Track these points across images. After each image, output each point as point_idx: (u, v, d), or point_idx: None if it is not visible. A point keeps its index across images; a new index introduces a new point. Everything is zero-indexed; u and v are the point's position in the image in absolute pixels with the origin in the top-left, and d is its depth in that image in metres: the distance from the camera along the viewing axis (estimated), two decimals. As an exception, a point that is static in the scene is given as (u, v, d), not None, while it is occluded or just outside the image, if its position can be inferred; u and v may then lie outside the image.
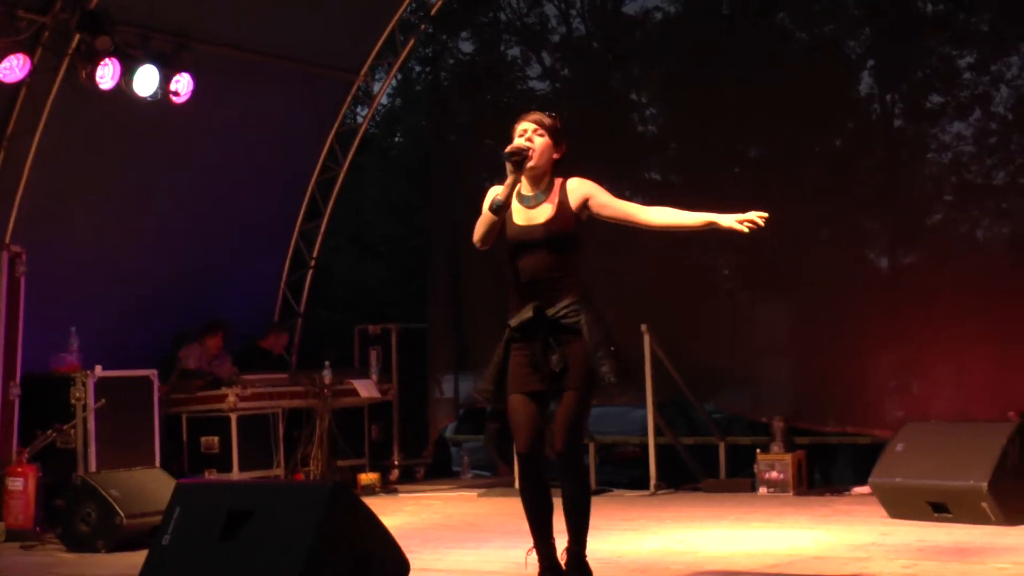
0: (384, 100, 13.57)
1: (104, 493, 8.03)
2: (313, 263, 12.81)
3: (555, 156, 5.72)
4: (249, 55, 11.18)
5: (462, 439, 13.47)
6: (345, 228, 18.76)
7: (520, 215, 5.66)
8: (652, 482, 10.49)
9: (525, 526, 8.51)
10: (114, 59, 9.73)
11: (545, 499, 5.79)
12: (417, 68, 22.02)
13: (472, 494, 10.88)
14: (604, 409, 13.62)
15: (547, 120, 5.71)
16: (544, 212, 5.63)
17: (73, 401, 9.30)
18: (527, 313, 5.53)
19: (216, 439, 10.34)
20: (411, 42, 12.62)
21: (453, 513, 9.64)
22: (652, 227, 5.93)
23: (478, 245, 5.70)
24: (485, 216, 5.62)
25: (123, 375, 9.67)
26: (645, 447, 10.96)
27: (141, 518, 7.95)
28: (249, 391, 10.51)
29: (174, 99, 10.21)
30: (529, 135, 5.67)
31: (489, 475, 12.48)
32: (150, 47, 10.07)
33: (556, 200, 5.64)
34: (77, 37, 9.65)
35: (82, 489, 8.17)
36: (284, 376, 11.10)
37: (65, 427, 9.16)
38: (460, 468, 12.79)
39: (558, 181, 5.72)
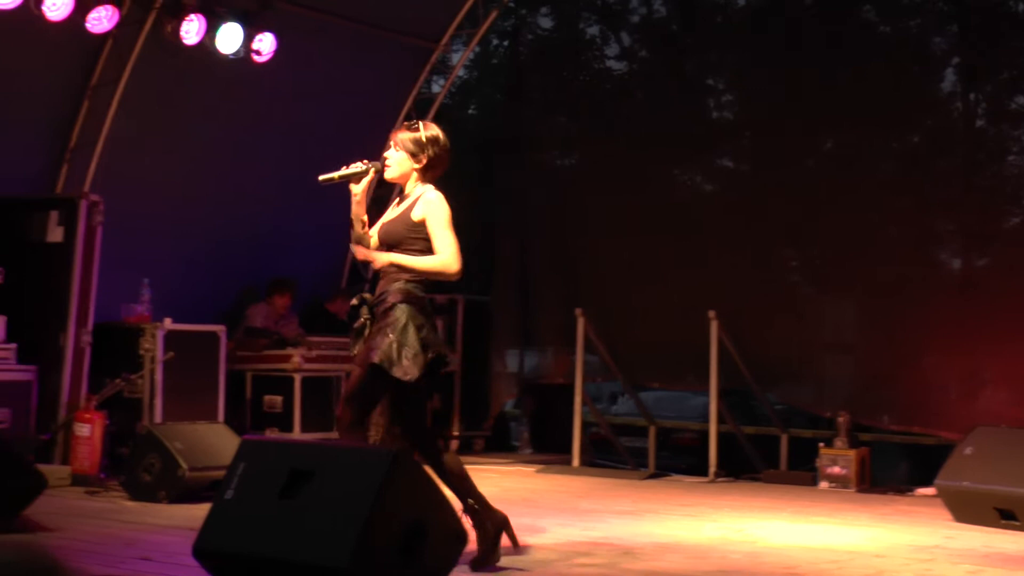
0: (460, 72, 13.51)
1: (168, 445, 8.13)
2: (381, 230, 12.82)
3: (416, 165, 6.20)
4: (332, 18, 11.20)
5: (521, 414, 13.49)
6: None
7: (388, 213, 6.29)
8: (711, 469, 10.44)
9: (583, 504, 8.62)
10: (200, 15, 9.79)
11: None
12: (494, 41, 21.97)
13: (530, 469, 10.91)
14: (662, 394, 13.64)
15: (405, 134, 6.21)
16: (392, 213, 6.23)
17: (142, 352, 9.41)
18: (351, 299, 6.26)
19: (279, 398, 10.43)
20: (493, 14, 12.59)
21: (511, 487, 9.66)
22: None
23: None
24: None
25: (192, 329, 9.77)
26: (702, 434, 10.95)
27: (202, 471, 8.05)
28: (314, 353, 10.58)
29: (256, 58, 10.25)
30: (387, 153, 6.23)
31: (532, 451, 12.49)
32: (235, 5, 10.12)
33: (406, 206, 6.17)
34: (165, -9, 9.73)
35: (147, 439, 8.28)
36: (348, 340, 11.12)
37: (133, 377, 9.27)
38: (519, 443, 12.81)
39: (424, 189, 6.20)
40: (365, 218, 6.23)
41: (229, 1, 10.07)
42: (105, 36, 9.75)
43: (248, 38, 10.13)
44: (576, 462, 10.85)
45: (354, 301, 6.26)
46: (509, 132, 13.41)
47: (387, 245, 6.16)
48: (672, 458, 12.23)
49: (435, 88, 13.35)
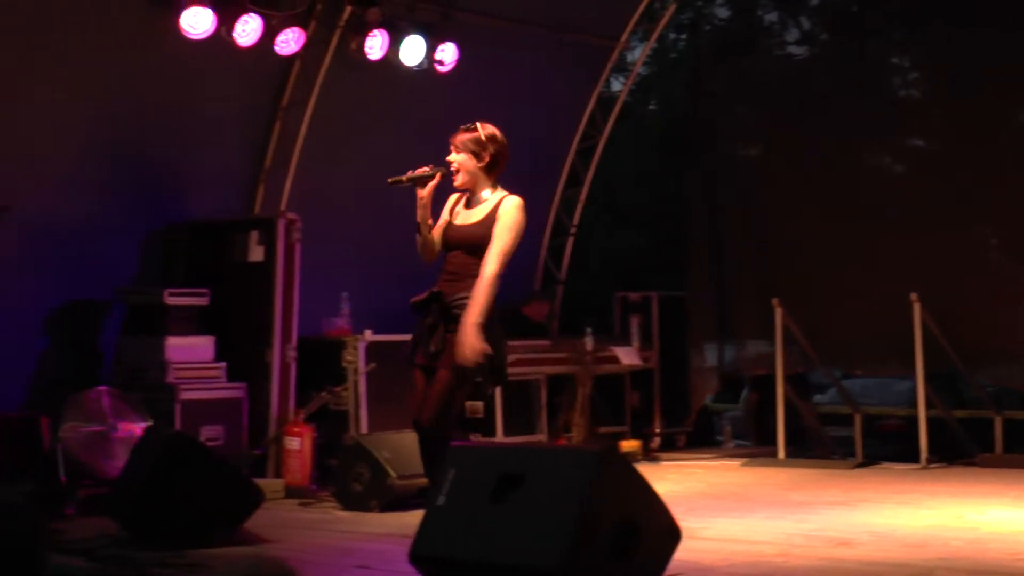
0: (638, 68, 13.48)
1: (376, 454, 8.25)
2: (574, 230, 12.86)
3: (480, 164, 6.33)
4: (511, 23, 11.26)
5: (723, 408, 13.36)
6: (597, 196, 18.83)
7: (460, 216, 6.37)
8: (923, 456, 10.16)
9: (793, 496, 8.49)
10: (382, 30, 9.95)
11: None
12: (671, 35, 21.84)
13: (735, 463, 10.78)
14: (865, 380, 13.34)
15: (466, 136, 6.35)
16: (473, 217, 6.32)
17: (345, 364, 9.56)
18: (423, 295, 6.31)
19: (480, 404, 10.51)
20: (671, 8, 12.51)
21: (717, 482, 9.57)
22: None
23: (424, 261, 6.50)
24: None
25: (392, 339, 9.89)
26: (909, 419, 10.67)
27: (411, 479, 8.13)
28: (513, 357, 10.61)
29: (439, 68, 10.38)
30: (450, 155, 6.38)
31: (751, 444, 12.34)
32: (416, 17, 10.26)
33: (487, 211, 6.27)
34: (348, 9, 9.90)
35: (355, 450, 8.42)
36: (546, 343, 11.19)
37: (337, 389, 9.43)
38: (722, 437, 12.68)
39: (503, 194, 6.33)
40: (431, 221, 6.37)
41: (410, 14, 10.20)
42: (293, 57, 9.99)
43: (431, 49, 10.26)
44: (782, 454, 10.68)
45: (424, 296, 6.32)
46: (693, 125, 13.30)
47: (466, 248, 6.26)
48: (879, 446, 11.91)
49: (614, 87, 13.32)
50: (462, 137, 6.35)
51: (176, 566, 5.95)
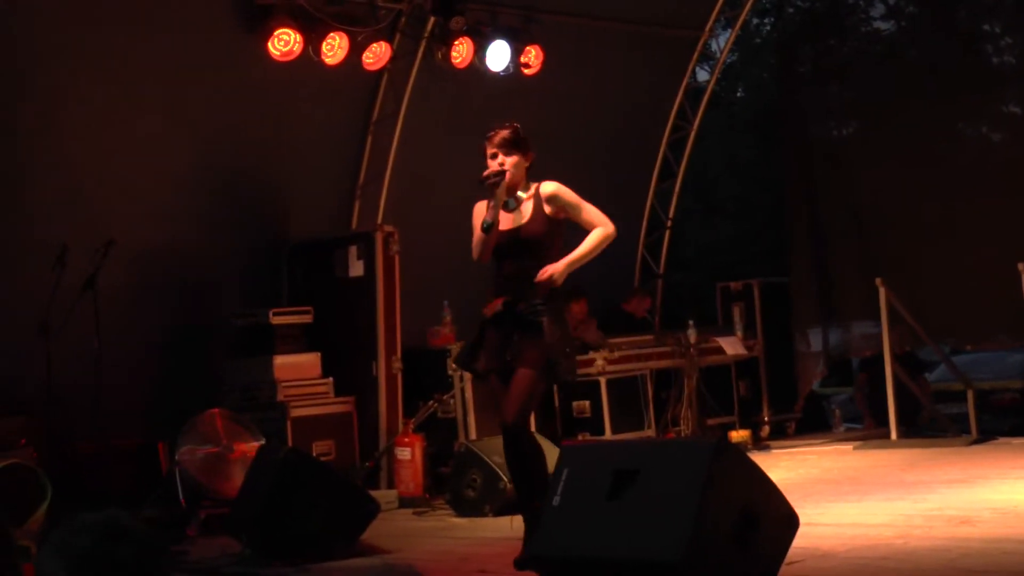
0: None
1: (488, 459, 8.29)
2: (669, 223, 12.83)
3: (526, 164, 6.26)
4: (593, 22, 11.27)
5: (831, 392, 13.24)
6: (691, 187, 18.79)
7: (505, 220, 6.21)
8: (1041, 427, 9.97)
9: (909, 477, 8.38)
10: (467, 38, 10.00)
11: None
12: (754, 21, 21.71)
13: (847, 447, 10.67)
14: (977, 355, 13.14)
15: (509, 136, 6.22)
16: (523, 216, 6.21)
17: (450, 372, 9.61)
18: (498, 304, 6.14)
19: (587, 403, 10.52)
20: (754, -7, 12.45)
21: (830, 467, 9.49)
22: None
23: (476, 260, 6.32)
24: (477, 236, 6.22)
25: (496, 344, 9.92)
26: (1023, 392, 10.47)
27: (527, 482, 8.15)
28: (617, 354, 10.63)
29: (525, 71, 10.42)
30: (500, 159, 6.20)
31: (861, 427, 12.21)
32: (499, 23, 10.30)
33: (532, 205, 6.20)
34: (432, 20, 9.97)
35: (466, 456, 8.47)
36: (649, 337, 11.17)
37: (445, 397, 9.49)
38: (832, 421, 12.55)
39: (534, 185, 6.25)
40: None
41: (494, 20, 10.25)
42: (381, 71, 10.08)
43: (516, 53, 10.30)
44: (894, 435, 10.54)
45: (501, 308, 6.19)
46: (784, 108, 13.21)
47: (524, 246, 6.17)
48: (994, 421, 11.73)
49: (699, 77, 13.26)
50: (506, 137, 6.22)
51: (301, 580, 6.04)
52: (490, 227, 6.14)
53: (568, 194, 6.25)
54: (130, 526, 2.45)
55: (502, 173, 6.18)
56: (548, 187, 6.23)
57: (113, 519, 2.44)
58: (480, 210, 6.29)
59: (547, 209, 6.19)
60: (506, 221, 6.23)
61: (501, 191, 6.17)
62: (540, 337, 6.06)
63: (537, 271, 6.13)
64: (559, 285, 6.16)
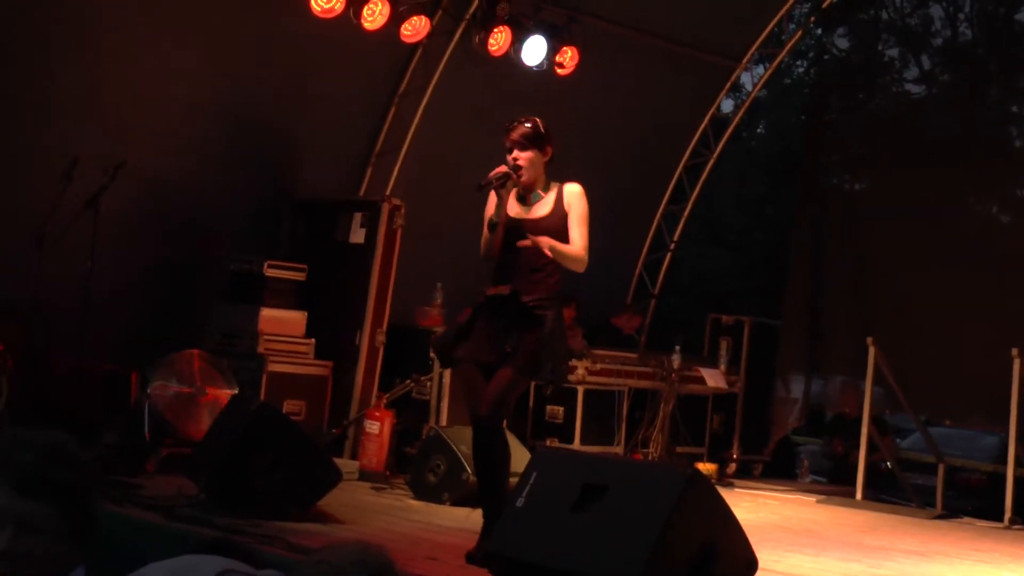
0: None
1: (455, 448, 8.26)
2: (672, 246, 12.81)
3: (545, 159, 6.20)
4: (635, 33, 11.25)
5: (803, 441, 13.22)
6: (696, 214, 18.79)
7: (520, 211, 6.20)
8: (1007, 515, 9.93)
9: (869, 540, 8.36)
10: (507, 27, 9.95)
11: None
12: (786, 60, 21.72)
13: (810, 499, 10.66)
14: (951, 431, 13.13)
15: (528, 131, 6.16)
16: (542, 210, 6.17)
17: (432, 355, 9.58)
18: (503, 290, 6.09)
19: (561, 409, 10.49)
20: (798, 34, 12.42)
21: (791, 516, 9.48)
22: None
23: (482, 258, 6.30)
24: (484, 235, 6.20)
25: (481, 335, 9.89)
26: (993, 475, 10.47)
27: (487, 476, 8.13)
28: (598, 366, 10.60)
29: (559, 71, 10.37)
30: (515, 154, 6.16)
31: (827, 481, 12.20)
32: (542, 18, 10.26)
33: (553, 200, 6.17)
34: (476, 3, 9.93)
35: (434, 441, 8.44)
36: (633, 355, 11.14)
37: (423, 378, 9.46)
38: (799, 471, 12.55)
39: (555, 184, 6.22)
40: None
41: (536, 14, 10.21)
42: (416, 46, 10.03)
43: (552, 51, 10.25)
44: (859, 495, 10.53)
45: (506, 291, 6.13)
46: (803, 153, 13.20)
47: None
48: (958, 498, 11.73)
49: (723, 106, 13.25)
50: (524, 132, 6.15)
51: (252, 535, 5.99)
52: (495, 226, 6.12)
53: (582, 203, 6.20)
54: (72, 452, 2.49)
55: (507, 176, 6.14)
56: (574, 187, 6.21)
57: (58, 441, 2.48)
58: (490, 205, 6.26)
59: (565, 205, 6.15)
60: (523, 213, 6.21)
61: (507, 190, 6.14)
62: (541, 331, 6.03)
63: (549, 266, 6.09)
64: (547, 255, 6.06)
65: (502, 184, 6.15)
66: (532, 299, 6.08)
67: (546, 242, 6.05)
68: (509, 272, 6.17)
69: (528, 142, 6.15)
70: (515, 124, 6.20)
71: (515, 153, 6.17)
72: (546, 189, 6.22)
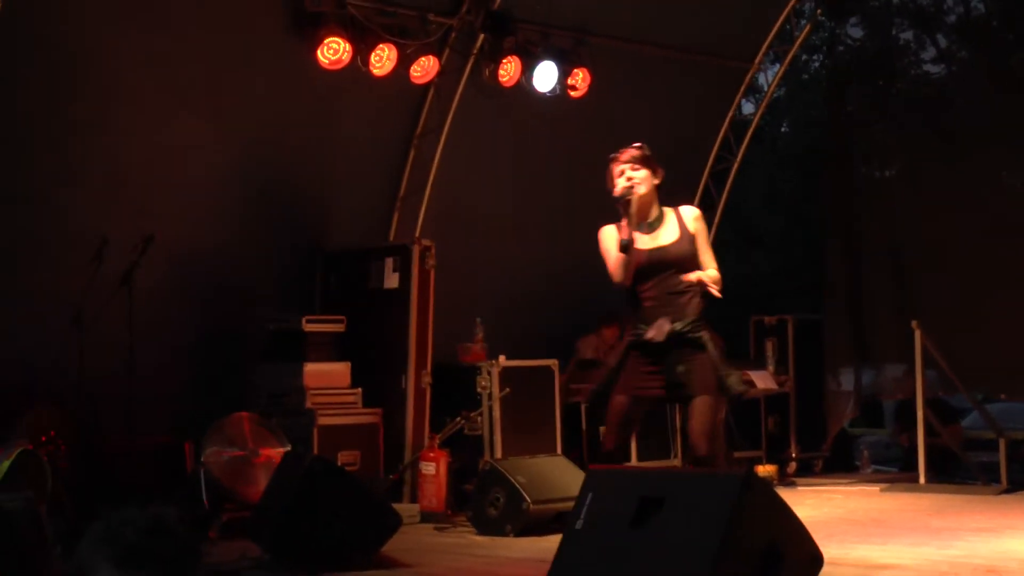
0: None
1: (512, 479, 8.26)
2: (706, 253, 12.75)
3: (655, 182, 6.15)
4: (644, 47, 11.27)
5: (860, 432, 13.13)
6: (728, 218, 18.74)
7: (643, 241, 6.07)
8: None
9: (936, 522, 8.30)
10: (516, 57, 10.00)
11: None
12: (803, 56, 21.67)
13: (874, 488, 10.59)
14: (1010, 404, 13.02)
15: (637, 153, 6.15)
16: (668, 236, 6.09)
17: (479, 390, 9.59)
18: (661, 330, 5.97)
19: (614, 429, 10.43)
20: (807, 28, 12.41)
21: (855, 507, 9.42)
22: None
23: (619, 283, 6.09)
24: (617, 258, 6.04)
25: (525, 364, 9.91)
26: (1055, 446, 10.36)
27: (546, 504, 8.14)
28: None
29: (571, 93, 10.41)
30: (627, 175, 6.11)
31: (891, 470, 12.11)
32: (549, 43, 10.30)
33: (678, 225, 6.11)
34: (482, 37, 9.98)
35: (491, 475, 8.44)
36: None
37: (472, 414, 9.47)
38: (859, 462, 12.46)
39: (668, 209, 6.17)
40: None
41: (543, 41, 10.25)
42: (427, 86, 10.10)
43: (563, 75, 10.29)
44: (923, 479, 10.45)
45: (663, 336, 6.03)
46: (830, 146, 13.14)
47: (676, 267, 6.03)
48: (1022, 471, 11.61)
49: (744, 109, 13.23)
50: (635, 154, 6.13)
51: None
52: (628, 246, 5.99)
53: (705, 226, 6.22)
54: (173, 523, 2.52)
55: (630, 190, 6.06)
56: (694, 211, 6.19)
57: (158, 515, 2.51)
58: (609, 233, 6.13)
59: (691, 229, 6.09)
60: (646, 242, 6.10)
61: (634, 208, 6.04)
62: (705, 354, 6.02)
63: (691, 288, 6.03)
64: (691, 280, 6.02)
65: (630, 201, 6.07)
66: (685, 325, 6.02)
67: (711, 278, 6.02)
68: (657, 308, 6.06)
69: (639, 163, 6.12)
70: (623, 149, 6.21)
71: (628, 172, 6.12)
72: (661, 216, 6.15)
